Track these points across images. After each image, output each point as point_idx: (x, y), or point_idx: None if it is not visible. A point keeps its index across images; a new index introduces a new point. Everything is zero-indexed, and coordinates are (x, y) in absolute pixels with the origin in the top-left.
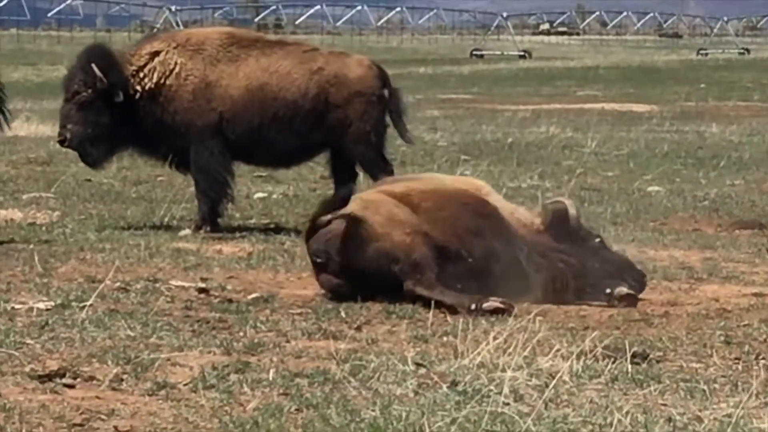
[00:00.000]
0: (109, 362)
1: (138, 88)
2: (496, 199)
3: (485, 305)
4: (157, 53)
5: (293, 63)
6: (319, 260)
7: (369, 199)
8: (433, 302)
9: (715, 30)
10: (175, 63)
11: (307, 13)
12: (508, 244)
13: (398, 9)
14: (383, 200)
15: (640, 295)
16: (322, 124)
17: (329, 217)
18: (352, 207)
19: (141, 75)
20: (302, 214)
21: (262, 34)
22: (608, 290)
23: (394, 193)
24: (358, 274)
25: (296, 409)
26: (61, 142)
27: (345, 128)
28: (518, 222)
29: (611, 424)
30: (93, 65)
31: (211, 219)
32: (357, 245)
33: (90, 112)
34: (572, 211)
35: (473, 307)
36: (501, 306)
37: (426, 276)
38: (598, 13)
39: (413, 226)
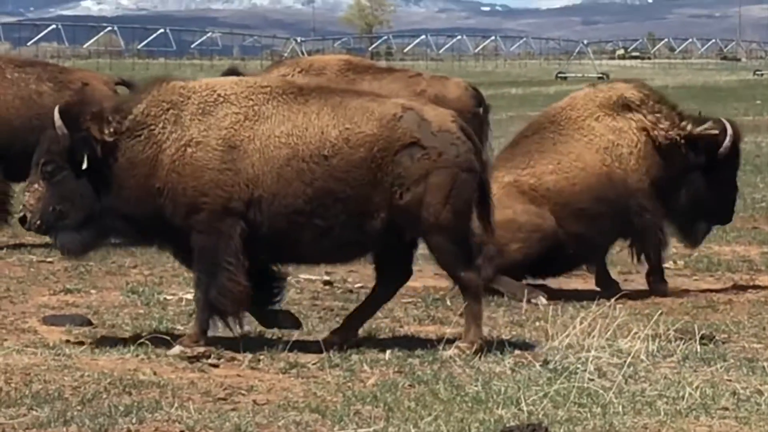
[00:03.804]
0: (248, 345)
1: None
2: None
3: (537, 299)
4: (283, 77)
5: (400, 86)
6: None
7: None
8: None
9: None
10: None
11: (414, 42)
12: None
13: (493, 38)
14: None
15: (706, 285)
16: None
17: None
18: None
19: None
20: None
21: (374, 62)
22: None
23: None
24: None
25: (409, 385)
26: None
27: None
28: None
29: (683, 397)
30: None
31: None
32: None
33: None
34: None
35: (525, 299)
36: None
37: None
38: (666, 39)
39: None
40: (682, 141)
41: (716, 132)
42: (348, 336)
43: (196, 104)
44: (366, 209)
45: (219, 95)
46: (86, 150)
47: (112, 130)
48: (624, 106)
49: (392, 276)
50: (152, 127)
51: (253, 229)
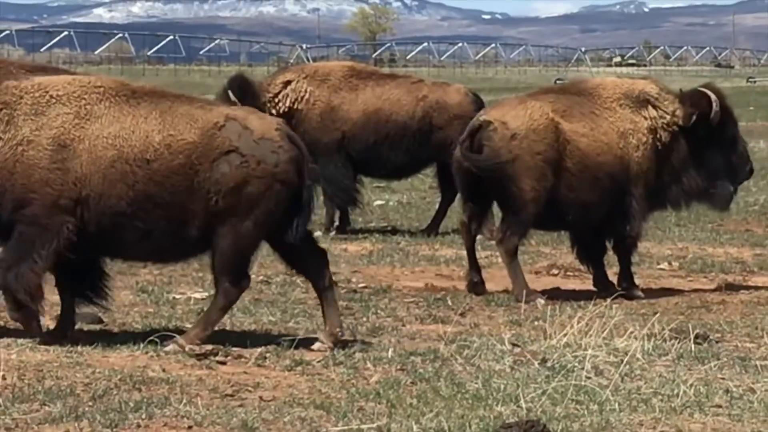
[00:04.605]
0: (255, 343)
1: (273, 111)
2: None
3: (535, 301)
4: (289, 82)
5: (402, 92)
6: None
7: None
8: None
9: (762, 61)
10: (305, 90)
11: (417, 50)
12: None
13: (493, 45)
14: None
15: (700, 286)
16: (427, 142)
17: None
18: None
19: (276, 100)
20: (414, 219)
21: (377, 68)
22: None
23: None
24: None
25: (411, 382)
26: None
27: (447, 146)
28: None
29: (678, 395)
30: (229, 92)
31: (338, 222)
32: None
33: None
34: None
35: (523, 300)
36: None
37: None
38: (662, 47)
39: None
40: (678, 129)
41: (704, 106)
42: (336, 337)
43: (29, 104)
44: (184, 216)
45: (51, 96)
46: None
47: None
48: (643, 101)
49: (309, 264)
50: None
51: (81, 225)
